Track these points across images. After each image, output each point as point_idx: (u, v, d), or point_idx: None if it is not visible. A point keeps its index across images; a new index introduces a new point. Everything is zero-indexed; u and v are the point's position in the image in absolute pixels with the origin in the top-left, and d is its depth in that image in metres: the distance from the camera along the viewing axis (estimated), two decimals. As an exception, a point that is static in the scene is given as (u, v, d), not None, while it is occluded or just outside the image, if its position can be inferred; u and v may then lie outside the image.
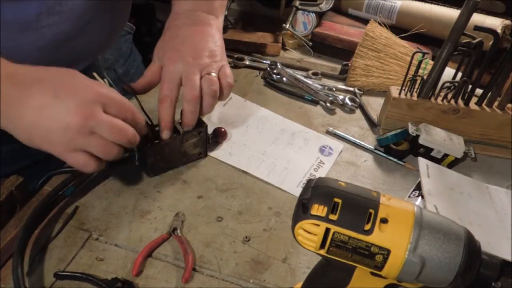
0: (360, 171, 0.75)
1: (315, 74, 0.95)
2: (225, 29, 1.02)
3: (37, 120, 0.51)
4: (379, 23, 0.92)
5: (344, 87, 0.93)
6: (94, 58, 0.71)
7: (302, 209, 0.42)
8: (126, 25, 0.90)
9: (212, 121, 0.79)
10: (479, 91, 0.78)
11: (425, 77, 0.77)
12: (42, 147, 0.53)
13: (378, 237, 0.40)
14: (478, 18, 0.93)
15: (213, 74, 0.64)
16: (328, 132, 0.82)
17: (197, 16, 0.70)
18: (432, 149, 0.74)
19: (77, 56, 0.71)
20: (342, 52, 1.01)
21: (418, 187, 0.69)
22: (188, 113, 0.64)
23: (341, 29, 1.04)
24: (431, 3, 1.02)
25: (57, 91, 0.52)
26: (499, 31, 0.76)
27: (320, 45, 1.03)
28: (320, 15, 1.06)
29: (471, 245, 0.40)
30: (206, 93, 0.64)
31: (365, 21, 0.98)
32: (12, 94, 0.51)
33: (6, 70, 0.51)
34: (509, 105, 0.78)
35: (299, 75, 0.93)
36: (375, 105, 0.89)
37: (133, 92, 0.67)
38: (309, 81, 0.91)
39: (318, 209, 0.41)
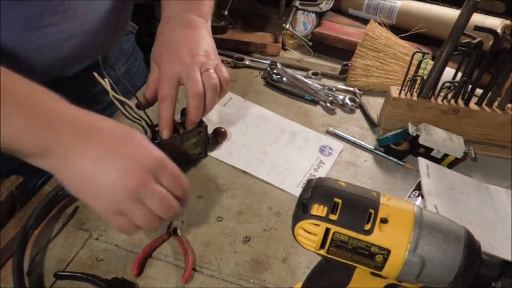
0: (360, 171, 0.75)
1: (315, 74, 0.95)
2: (225, 29, 1.02)
3: (92, 173, 0.48)
4: (379, 23, 0.92)
5: (344, 87, 0.93)
6: (95, 58, 0.72)
7: (302, 209, 0.42)
8: (129, 24, 0.90)
9: (212, 121, 0.79)
10: (479, 91, 0.78)
11: (425, 77, 0.77)
12: (85, 199, 0.50)
13: (378, 237, 0.40)
14: (478, 18, 0.93)
15: (211, 70, 0.65)
16: (328, 132, 0.82)
17: (188, 20, 0.71)
18: (432, 149, 0.74)
19: (79, 55, 0.71)
20: (342, 52, 1.01)
21: (418, 187, 0.69)
22: (193, 109, 0.64)
23: (341, 29, 1.04)
24: (431, 3, 1.02)
25: (117, 146, 0.49)
26: (499, 31, 0.76)
27: (320, 45, 1.03)
28: (320, 15, 1.06)
29: (471, 245, 0.40)
30: (208, 88, 0.64)
31: (365, 21, 0.98)
32: (72, 140, 0.48)
33: (69, 113, 0.50)
34: (509, 105, 0.78)
35: (299, 75, 0.93)
36: (375, 105, 0.89)
37: (145, 107, 0.67)
38: (309, 81, 0.91)
39: (318, 209, 0.41)
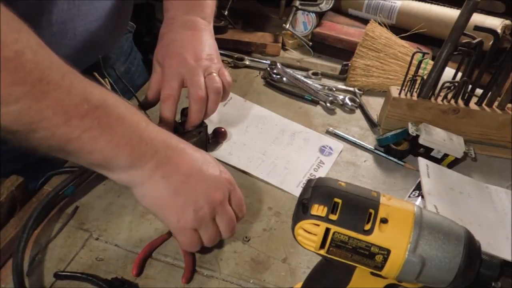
0: (360, 171, 0.75)
1: (315, 74, 0.95)
2: (225, 29, 1.02)
3: (182, 186, 0.51)
4: (379, 23, 0.92)
5: (344, 87, 0.93)
6: (97, 57, 0.72)
7: (302, 209, 0.42)
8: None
9: (212, 121, 0.79)
10: (479, 91, 0.78)
11: (425, 77, 0.77)
12: (163, 216, 0.53)
13: (378, 237, 0.40)
14: (478, 18, 0.93)
15: (215, 74, 0.66)
16: (328, 132, 0.82)
17: (191, 21, 0.72)
18: (432, 149, 0.74)
19: (81, 55, 0.72)
20: (342, 52, 1.01)
21: (418, 187, 0.69)
22: (195, 113, 0.65)
23: (341, 29, 1.04)
24: (431, 3, 1.02)
25: (203, 165, 0.53)
26: (499, 31, 0.76)
27: (320, 45, 1.03)
28: (320, 15, 1.06)
29: (471, 245, 0.40)
30: (211, 91, 0.65)
31: (365, 21, 0.98)
32: (166, 154, 0.51)
33: (156, 130, 0.52)
34: (509, 105, 0.78)
35: (299, 75, 0.93)
36: (375, 105, 0.89)
37: (147, 107, 0.69)
38: (309, 81, 0.91)
39: (318, 209, 0.41)
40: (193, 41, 0.69)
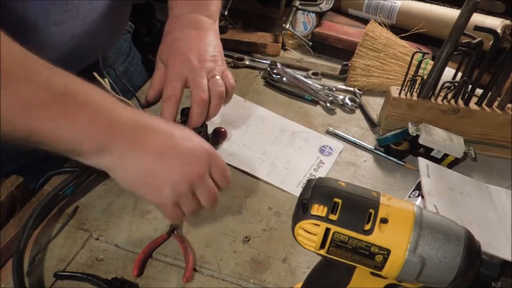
0: (360, 171, 0.75)
1: (315, 74, 0.95)
2: (225, 29, 1.02)
3: (156, 166, 0.51)
4: (379, 23, 0.92)
5: (344, 87, 0.93)
6: (96, 57, 0.72)
7: (302, 209, 0.42)
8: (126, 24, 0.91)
9: (212, 121, 0.79)
10: (479, 91, 0.78)
11: (425, 77, 0.77)
12: (145, 194, 0.53)
13: (378, 237, 0.40)
14: (478, 18, 0.93)
15: (218, 76, 0.66)
16: (328, 132, 0.82)
17: (196, 20, 0.71)
18: (432, 149, 0.74)
19: (81, 55, 0.72)
20: (342, 52, 1.01)
21: (418, 187, 0.69)
22: (196, 115, 0.65)
23: (341, 29, 1.04)
24: (431, 3, 1.02)
25: (176, 141, 0.53)
26: (499, 31, 0.76)
27: (320, 45, 1.03)
28: (320, 15, 1.06)
29: (471, 245, 0.40)
30: (214, 94, 0.65)
31: (365, 21, 0.98)
32: (136, 135, 0.51)
33: (127, 114, 0.52)
34: (509, 105, 0.78)
35: (299, 75, 0.93)
36: (375, 105, 0.89)
37: (147, 105, 0.68)
38: (309, 81, 0.91)
39: (318, 209, 0.41)
40: (198, 41, 0.68)
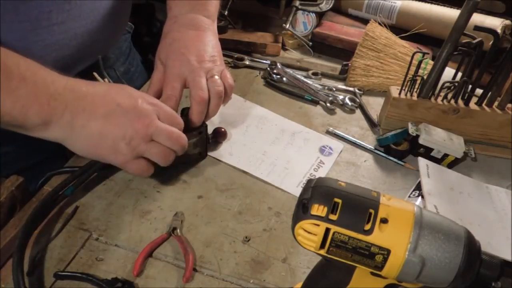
0: (360, 171, 0.75)
1: (315, 74, 0.95)
2: (225, 29, 1.02)
3: (104, 130, 0.54)
4: (379, 23, 0.92)
5: (344, 87, 0.93)
6: (97, 57, 0.72)
7: (302, 209, 0.42)
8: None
9: (212, 121, 0.79)
10: (479, 91, 0.78)
11: (425, 77, 0.77)
12: (102, 156, 0.56)
13: (378, 237, 0.40)
14: (478, 18, 0.93)
15: (217, 76, 0.67)
16: (328, 132, 0.82)
17: (195, 21, 0.72)
18: (432, 149, 0.74)
19: (82, 55, 0.72)
20: (342, 52, 1.01)
21: (418, 187, 0.69)
22: (196, 114, 0.65)
23: (341, 29, 1.04)
24: (431, 3, 1.02)
25: (118, 101, 0.55)
26: (499, 31, 0.76)
27: (320, 45, 1.03)
28: (320, 15, 1.06)
29: (471, 245, 0.40)
30: (213, 94, 0.66)
31: (365, 21, 0.98)
32: (78, 104, 0.53)
33: (66, 82, 0.53)
34: (509, 105, 0.78)
35: (299, 75, 0.93)
36: (375, 105, 0.89)
37: None
38: (309, 81, 0.91)
39: (318, 209, 0.41)
40: (197, 42, 0.69)
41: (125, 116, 0.55)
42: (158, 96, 0.68)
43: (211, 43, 0.70)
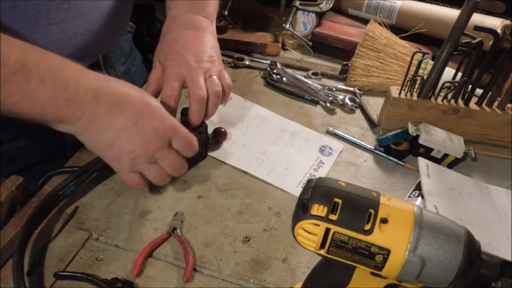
0: (360, 171, 0.75)
1: (315, 74, 0.95)
2: (225, 29, 1.02)
3: (115, 141, 0.54)
4: (379, 23, 0.92)
5: (344, 87, 0.93)
6: (97, 57, 0.72)
7: (302, 209, 0.42)
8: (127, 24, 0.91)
9: (212, 121, 0.79)
10: (479, 91, 0.78)
11: (425, 77, 0.77)
12: (106, 160, 0.57)
13: (378, 237, 0.40)
14: (478, 18, 0.93)
15: (215, 77, 0.67)
16: (328, 132, 0.82)
17: (194, 21, 0.72)
18: (432, 149, 0.74)
19: (81, 54, 0.72)
20: (342, 52, 1.01)
21: (418, 187, 0.69)
22: (195, 113, 0.65)
23: (341, 29, 1.04)
24: (431, 3, 1.02)
25: (137, 118, 0.55)
26: (499, 31, 0.76)
27: (320, 45, 1.03)
28: (320, 15, 1.06)
29: (471, 245, 0.40)
30: (211, 94, 0.66)
31: (365, 21, 0.98)
32: (97, 112, 0.53)
33: (91, 83, 0.53)
34: (509, 105, 0.78)
35: (299, 75, 0.93)
36: (375, 105, 0.89)
37: None
38: (309, 81, 0.91)
39: (318, 209, 0.41)
40: (195, 42, 0.69)
41: (138, 137, 0.55)
42: (156, 95, 0.69)
43: (209, 44, 0.71)
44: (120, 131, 0.54)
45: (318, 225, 0.41)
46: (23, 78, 0.48)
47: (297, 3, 1.03)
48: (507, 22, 0.90)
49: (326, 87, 0.91)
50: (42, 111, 0.50)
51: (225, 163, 0.73)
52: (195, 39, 0.70)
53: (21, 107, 0.49)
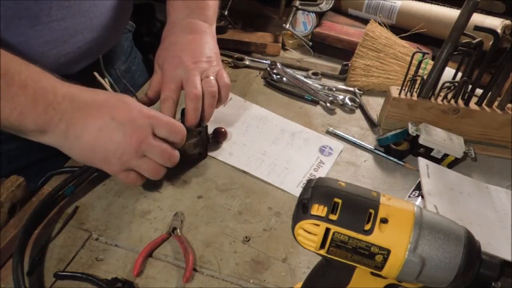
0: (360, 171, 0.75)
1: (315, 74, 0.95)
2: (225, 29, 1.02)
3: (97, 143, 0.54)
4: (379, 23, 0.92)
5: (344, 87, 0.93)
6: (98, 56, 0.72)
7: (302, 209, 0.42)
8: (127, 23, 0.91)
9: (212, 121, 0.79)
10: (479, 91, 0.78)
11: (425, 77, 0.77)
12: (95, 165, 0.58)
13: (378, 237, 0.40)
14: (478, 18, 0.93)
15: (211, 77, 0.68)
16: (328, 132, 0.82)
17: (193, 25, 0.73)
18: (432, 149, 0.74)
19: (83, 52, 0.72)
20: (342, 52, 1.01)
21: (418, 187, 0.69)
22: (191, 110, 0.66)
23: (341, 29, 1.04)
24: (431, 3, 1.02)
25: (114, 114, 0.55)
26: (499, 31, 0.76)
27: (320, 45, 1.03)
28: (320, 15, 1.06)
29: (471, 245, 0.40)
30: (206, 94, 0.66)
31: (365, 21, 0.98)
32: (74, 116, 0.53)
33: (66, 90, 0.54)
34: (509, 105, 0.78)
35: (299, 75, 0.93)
36: (375, 105, 0.89)
37: (148, 105, 0.70)
38: (309, 81, 0.91)
39: (318, 209, 0.41)
40: (193, 44, 0.70)
41: (118, 131, 0.55)
42: (157, 96, 0.70)
43: (208, 45, 0.71)
44: (98, 130, 0.54)
45: (318, 225, 0.41)
46: (4, 83, 0.49)
47: (297, 3, 1.03)
48: (507, 22, 0.90)
49: (326, 87, 0.91)
50: (21, 117, 0.51)
51: (225, 163, 0.73)
52: (193, 41, 0.71)
53: (1, 113, 0.50)
